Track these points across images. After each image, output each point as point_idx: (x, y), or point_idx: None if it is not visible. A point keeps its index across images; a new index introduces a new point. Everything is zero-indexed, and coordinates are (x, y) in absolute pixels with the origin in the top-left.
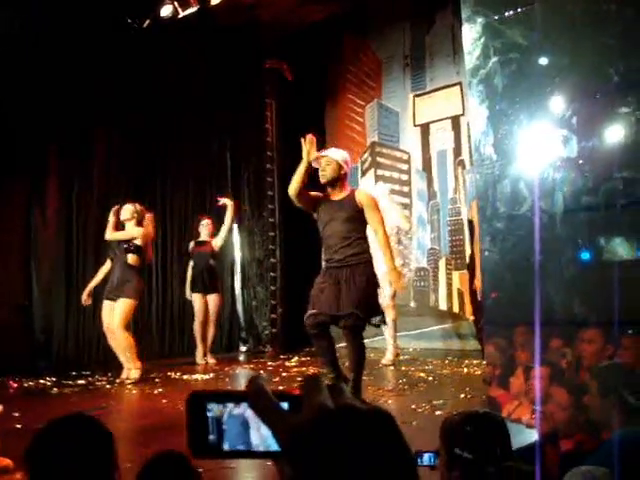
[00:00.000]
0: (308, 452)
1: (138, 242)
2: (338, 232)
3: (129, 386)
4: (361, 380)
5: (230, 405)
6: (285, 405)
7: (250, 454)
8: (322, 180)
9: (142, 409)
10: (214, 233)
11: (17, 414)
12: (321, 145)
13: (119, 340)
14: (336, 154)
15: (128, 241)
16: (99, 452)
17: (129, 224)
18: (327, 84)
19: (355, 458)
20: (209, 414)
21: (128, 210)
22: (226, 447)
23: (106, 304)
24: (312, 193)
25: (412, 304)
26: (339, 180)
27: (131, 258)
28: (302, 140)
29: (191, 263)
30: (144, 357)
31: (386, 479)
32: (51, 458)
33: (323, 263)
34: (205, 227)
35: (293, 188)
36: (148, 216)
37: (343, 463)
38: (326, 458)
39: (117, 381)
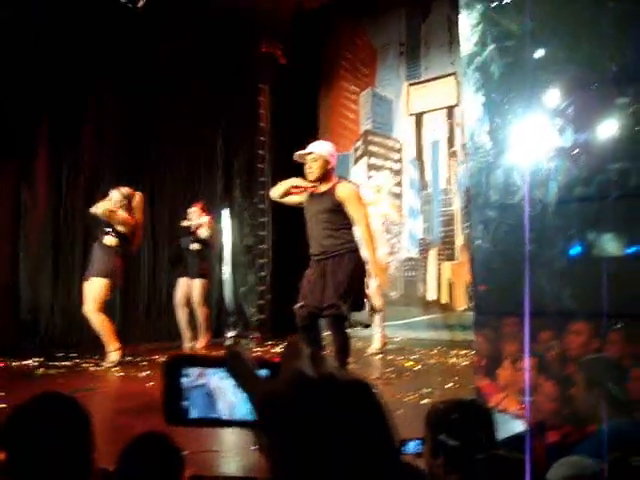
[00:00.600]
0: (284, 419)
1: (121, 229)
2: (321, 224)
3: (115, 368)
4: (346, 367)
5: (207, 370)
6: (265, 372)
7: (223, 423)
8: (310, 178)
9: (127, 391)
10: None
11: (2, 394)
12: (313, 134)
13: (93, 322)
14: (322, 149)
15: (111, 225)
16: (76, 432)
17: (120, 211)
18: (321, 70)
19: (333, 428)
20: (184, 380)
21: (115, 197)
22: (197, 415)
23: (84, 286)
24: (294, 191)
25: (400, 293)
26: (326, 174)
27: (108, 240)
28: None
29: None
30: (131, 341)
31: (365, 450)
32: (26, 437)
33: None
34: (194, 214)
35: (275, 195)
36: (138, 196)
37: (320, 432)
38: (302, 426)
39: (103, 364)
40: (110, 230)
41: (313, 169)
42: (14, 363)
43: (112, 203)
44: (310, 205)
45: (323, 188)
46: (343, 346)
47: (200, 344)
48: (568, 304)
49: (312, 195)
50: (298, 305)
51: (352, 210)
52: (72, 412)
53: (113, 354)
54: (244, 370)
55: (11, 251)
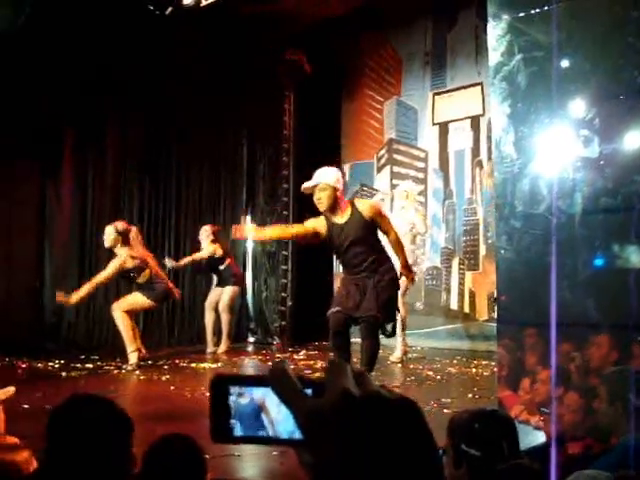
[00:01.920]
0: (329, 438)
1: (129, 265)
2: (357, 253)
3: (137, 372)
4: (370, 375)
5: (253, 389)
6: (309, 391)
7: (269, 440)
8: (321, 209)
9: (148, 395)
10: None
11: (25, 395)
12: (337, 145)
13: (117, 320)
14: (328, 178)
15: (125, 271)
16: (119, 435)
17: (117, 250)
18: (345, 79)
19: (378, 447)
20: (231, 398)
21: (109, 235)
22: (245, 433)
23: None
24: (308, 228)
25: (422, 303)
26: (337, 202)
27: (139, 279)
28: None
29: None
30: (153, 345)
31: (410, 470)
32: (68, 439)
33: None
34: (204, 233)
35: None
36: (133, 232)
37: (365, 451)
38: (348, 445)
39: (124, 367)
40: (127, 276)
41: (322, 199)
42: (37, 364)
43: (107, 239)
44: (337, 237)
45: (345, 216)
46: (373, 355)
47: (221, 349)
48: (591, 315)
49: (335, 226)
50: (334, 310)
51: (381, 221)
52: (117, 415)
53: (132, 355)
54: (289, 388)
55: (36, 253)
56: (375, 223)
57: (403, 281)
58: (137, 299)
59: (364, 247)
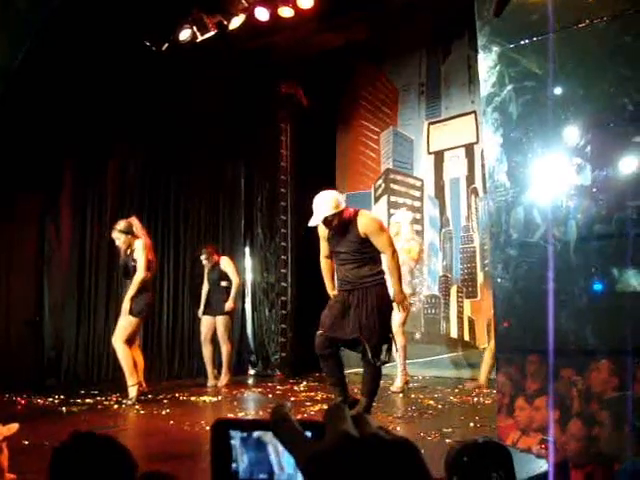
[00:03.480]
0: None
1: (150, 257)
2: (349, 258)
3: (137, 406)
4: (372, 406)
5: (254, 433)
6: (309, 434)
7: None
8: (334, 231)
9: (148, 430)
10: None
11: (25, 431)
12: (331, 177)
13: (118, 353)
14: (327, 208)
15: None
16: (121, 473)
17: (133, 246)
18: (341, 110)
19: None
20: (232, 442)
21: (118, 239)
22: (246, 476)
23: (119, 319)
24: (323, 238)
25: (422, 331)
26: (342, 216)
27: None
28: None
29: (204, 285)
30: (153, 378)
31: None
32: (73, 473)
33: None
34: (204, 255)
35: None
36: (135, 220)
37: None
38: None
39: (124, 402)
40: (132, 264)
41: (334, 222)
42: (37, 400)
43: (120, 244)
44: (336, 241)
45: (346, 224)
46: (375, 385)
47: (222, 382)
48: (590, 341)
49: (335, 232)
50: (317, 333)
51: (376, 239)
52: (116, 453)
53: (132, 389)
54: (290, 432)
55: (35, 287)
56: (369, 239)
57: (400, 309)
58: (129, 322)
59: (356, 252)
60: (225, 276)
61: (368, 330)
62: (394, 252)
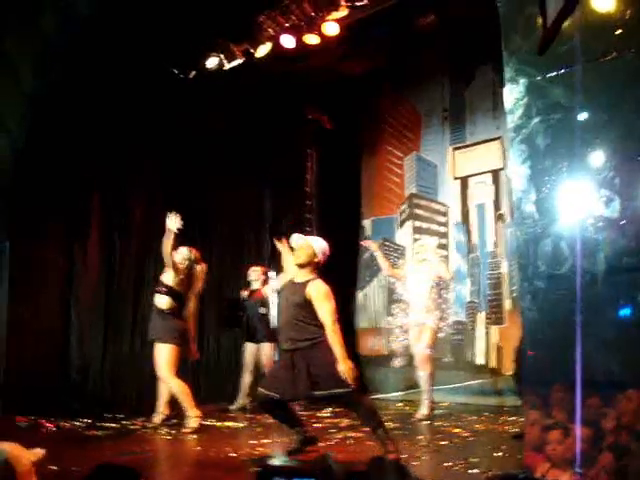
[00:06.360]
0: None
1: (174, 285)
2: (289, 316)
3: (163, 431)
4: (380, 429)
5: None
6: None
7: None
8: (295, 262)
9: (173, 456)
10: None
11: (51, 456)
12: (356, 201)
13: (172, 388)
14: (316, 243)
15: (165, 285)
16: None
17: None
18: (365, 135)
19: None
20: None
21: (181, 254)
22: None
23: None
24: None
25: (448, 358)
26: (309, 266)
27: (158, 300)
28: None
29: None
30: (177, 402)
31: None
32: None
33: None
34: (254, 274)
35: None
36: (203, 265)
37: None
38: None
39: (184, 429)
40: (163, 288)
41: (300, 255)
42: (63, 424)
43: (177, 256)
44: (285, 293)
45: (301, 280)
46: (368, 418)
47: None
48: (618, 373)
49: (290, 283)
50: (259, 390)
51: (318, 307)
52: None
53: (193, 420)
54: None
55: (62, 312)
56: (312, 305)
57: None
58: (168, 353)
59: (297, 312)
60: (264, 302)
61: (325, 380)
62: (334, 322)
